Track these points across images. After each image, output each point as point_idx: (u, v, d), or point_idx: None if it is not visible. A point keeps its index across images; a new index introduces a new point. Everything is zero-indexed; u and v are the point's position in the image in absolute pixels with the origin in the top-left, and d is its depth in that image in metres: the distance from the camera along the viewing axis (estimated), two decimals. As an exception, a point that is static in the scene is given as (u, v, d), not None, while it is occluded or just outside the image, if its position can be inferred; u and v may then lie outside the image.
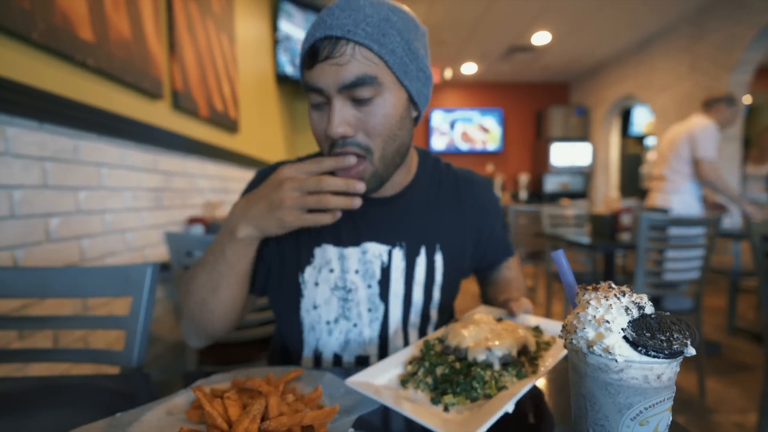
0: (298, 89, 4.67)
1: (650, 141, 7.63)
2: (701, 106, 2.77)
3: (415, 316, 0.78)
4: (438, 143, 7.14)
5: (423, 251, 0.77)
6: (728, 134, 4.10)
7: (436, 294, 0.79)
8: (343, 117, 0.62)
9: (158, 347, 1.87)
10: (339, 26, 0.59)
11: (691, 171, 2.71)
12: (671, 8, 4.40)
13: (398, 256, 0.76)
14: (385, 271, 0.76)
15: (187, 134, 2.13)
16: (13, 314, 1.10)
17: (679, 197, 2.76)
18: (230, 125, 2.75)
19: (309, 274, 0.76)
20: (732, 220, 3.16)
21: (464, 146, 7.18)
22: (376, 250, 0.75)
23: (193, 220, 2.10)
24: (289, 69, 3.96)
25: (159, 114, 1.89)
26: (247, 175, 3.19)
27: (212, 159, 2.48)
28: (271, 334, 1.35)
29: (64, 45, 1.27)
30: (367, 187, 0.65)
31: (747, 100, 4.79)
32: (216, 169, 2.56)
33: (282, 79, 4.00)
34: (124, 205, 1.62)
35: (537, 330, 0.66)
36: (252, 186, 0.80)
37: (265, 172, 0.80)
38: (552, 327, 0.68)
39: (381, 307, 0.76)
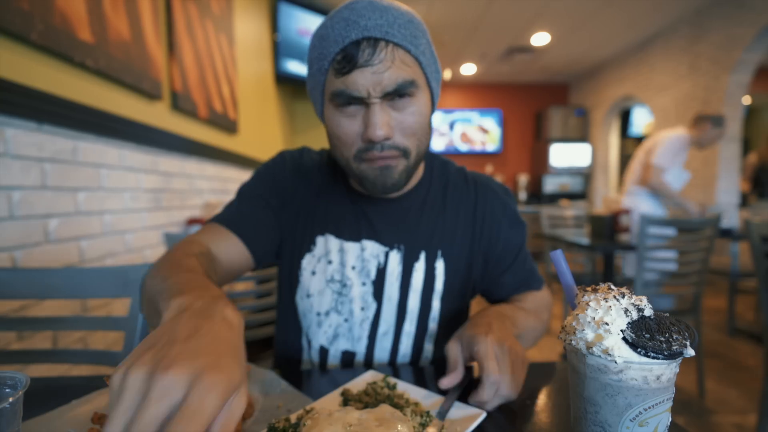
0: (297, 89, 4.66)
1: (649, 141, 7.63)
2: (691, 118, 2.85)
3: (409, 325, 0.74)
4: (437, 144, 7.14)
5: (422, 257, 0.74)
6: (727, 135, 4.11)
7: (436, 304, 0.74)
8: (383, 120, 0.60)
9: (157, 348, 1.86)
10: (376, 27, 0.57)
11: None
12: (671, 8, 4.40)
13: (395, 259, 0.73)
14: (381, 272, 0.73)
15: (186, 135, 2.13)
16: (12, 315, 1.10)
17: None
18: (229, 126, 2.75)
19: (307, 261, 0.75)
20: (730, 221, 3.16)
21: (463, 147, 7.17)
22: (374, 250, 0.74)
23: (192, 221, 2.10)
24: (289, 69, 3.95)
25: (158, 115, 1.88)
26: (247, 176, 3.18)
27: (211, 160, 2.48)
28: (272, 335, 1.36)
29: (63, 46, 1.27)
30: (398, 182, 0.66)
31: (746, 100, 4.79)
32: (215, 169, 2.56)
33: (281, 80, 3.99)
34: (123, 206, 1.61)
35: (426, 416, 0.48)
36: (274, 163, 0.80)
37: (288, 155, 0.81)
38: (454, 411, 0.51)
39: (373, 306, 0.73)
